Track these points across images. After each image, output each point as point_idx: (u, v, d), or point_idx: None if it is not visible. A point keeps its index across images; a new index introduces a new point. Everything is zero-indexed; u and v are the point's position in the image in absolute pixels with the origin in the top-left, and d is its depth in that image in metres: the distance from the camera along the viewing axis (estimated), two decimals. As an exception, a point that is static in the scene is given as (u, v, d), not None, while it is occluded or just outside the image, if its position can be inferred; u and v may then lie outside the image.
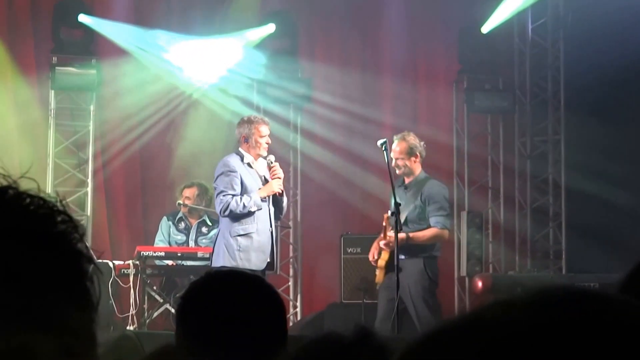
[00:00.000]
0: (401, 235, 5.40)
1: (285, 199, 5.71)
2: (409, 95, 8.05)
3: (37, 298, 0.62)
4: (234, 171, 5.27)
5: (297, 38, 7.66)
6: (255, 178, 5.37)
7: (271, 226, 5.42)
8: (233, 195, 5.24)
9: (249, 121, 5.41)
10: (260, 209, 5.30)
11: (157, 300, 6.71)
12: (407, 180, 5.69)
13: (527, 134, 8.13)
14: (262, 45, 7.61)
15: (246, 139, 5.31)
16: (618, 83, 7.55)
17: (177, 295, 6.05)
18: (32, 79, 7.45)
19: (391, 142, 5.76)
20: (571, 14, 7.88)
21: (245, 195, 5.26)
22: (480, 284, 7.04)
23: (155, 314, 6.66)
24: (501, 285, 7.07)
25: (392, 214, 5.56)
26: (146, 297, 6.63)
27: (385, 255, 5.62)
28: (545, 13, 7.96)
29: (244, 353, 1.62)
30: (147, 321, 6.58)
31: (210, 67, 7.54)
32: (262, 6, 7.82)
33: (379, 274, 5.70)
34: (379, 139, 5.73)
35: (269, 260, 5.42)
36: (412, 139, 5.66)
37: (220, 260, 5.33)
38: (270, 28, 7.49)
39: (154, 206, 7.59)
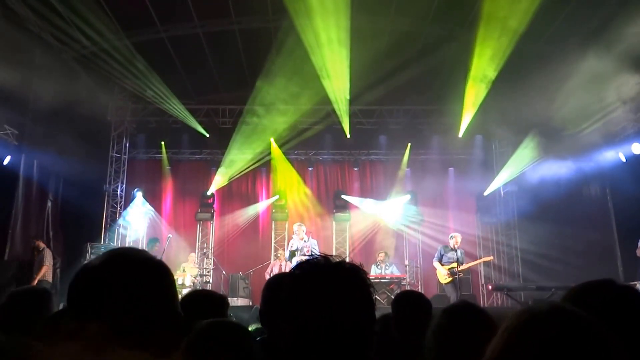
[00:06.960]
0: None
1: None
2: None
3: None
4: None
5: (417, 200, 19.72)
6: None
7: None
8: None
9: None
10: None
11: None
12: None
13: None
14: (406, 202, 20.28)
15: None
16: None
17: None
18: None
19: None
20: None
21: None
22: (490, 286, 19.03)
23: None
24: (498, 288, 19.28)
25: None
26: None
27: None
28: None
29: None
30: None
31: (389, 211, 20.08)
32: (405, 187, 20.13)
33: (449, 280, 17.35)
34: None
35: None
36: None
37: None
38: (407, 197, 19.78)
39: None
